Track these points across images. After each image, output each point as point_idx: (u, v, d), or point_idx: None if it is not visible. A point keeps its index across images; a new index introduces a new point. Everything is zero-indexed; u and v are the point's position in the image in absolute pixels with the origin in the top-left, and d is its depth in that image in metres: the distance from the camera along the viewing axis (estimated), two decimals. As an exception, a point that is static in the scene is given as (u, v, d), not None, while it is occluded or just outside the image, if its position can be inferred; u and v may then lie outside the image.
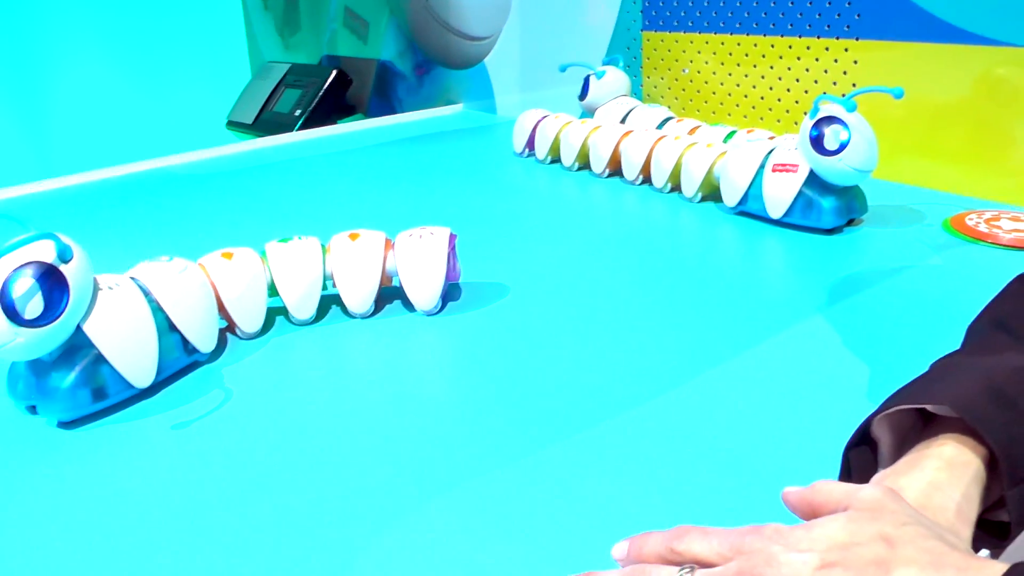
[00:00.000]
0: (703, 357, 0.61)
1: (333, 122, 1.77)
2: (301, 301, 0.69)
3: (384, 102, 1.83)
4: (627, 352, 0.63)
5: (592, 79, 1.20)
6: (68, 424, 0.57)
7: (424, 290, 0.70)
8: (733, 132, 1.07)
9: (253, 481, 0.50)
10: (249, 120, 2.02)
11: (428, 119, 1.60)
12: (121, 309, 0.58)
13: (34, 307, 0.53)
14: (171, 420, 0.57)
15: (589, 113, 1.21)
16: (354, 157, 1.34)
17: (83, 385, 0.56)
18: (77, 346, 0.56)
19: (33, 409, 0.58)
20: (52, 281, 0.54)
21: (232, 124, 2.13)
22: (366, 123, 1.64)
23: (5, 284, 0.53)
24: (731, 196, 0.92)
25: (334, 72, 1.85)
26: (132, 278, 0.61)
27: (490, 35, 1.52)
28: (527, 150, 1.21)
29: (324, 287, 0.70)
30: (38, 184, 1.25)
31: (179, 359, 0.62)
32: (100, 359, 0.57)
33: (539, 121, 1.19)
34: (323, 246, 0.70)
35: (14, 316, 0.53)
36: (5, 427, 0.58)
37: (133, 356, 0.58)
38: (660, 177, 1.02)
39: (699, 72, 1.26)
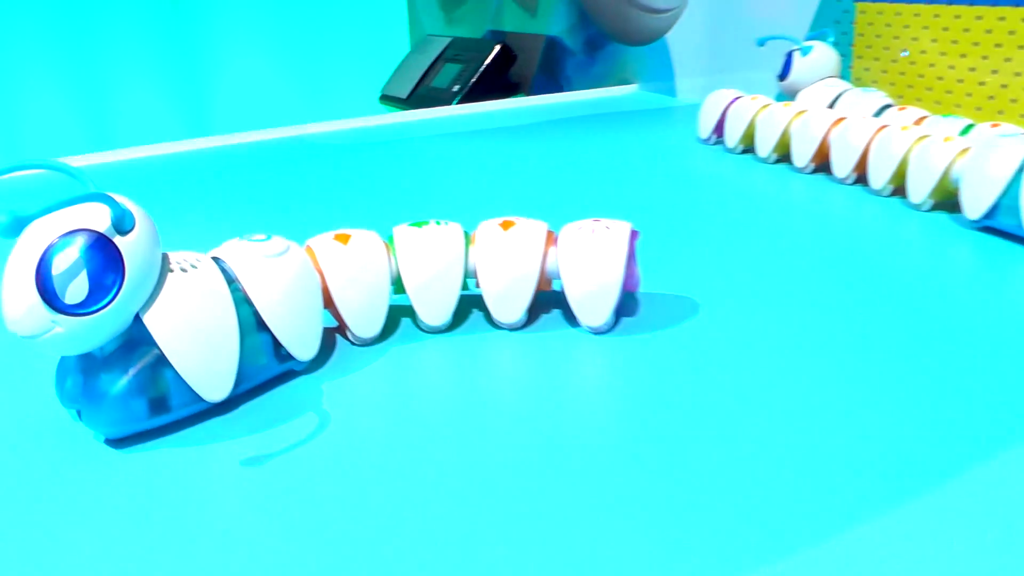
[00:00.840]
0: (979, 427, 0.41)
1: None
2: (434, 302, 0.53)
3: (550, 81, 1.66)
4: (860, 400, 0.44)
5: (796, 56, 1.00)
6: (117, 442, 0.43)
7: (594, 300, 0.53)
8: (971, 125, 0.85)
9: (356, 540, 0.34)
10: (404, 94, 1.90)
11: (599, 99, 1.43)
12: (194, 297, 0.43)
13: (78, 289, 0.39)
14: (251, 448, 0.42)
15: (789, 96, 1.01)
16: (512, 137, 1.18)
17: (138, 393, 0.42)
18: (135, 342, 0.42)
19: (80, 414, 0.44)
20: (104, 257, 0.40)
21: (386, 98, 2.01)
22: (529, 100, 1.48)
23: (43, 257, 0.39)
24: (974, 206, 0.71)
25: (497, 47, 1.69)
26: (215, 258, 0.46)
27: (674, 7, 1.33)
28: (714, 136, 1.02)
29: (464, 286, 0.54)
30: (171, 145, 1.15)
31: (267, 367, 0.47)
32: (162, 361, 0.42)
33: (731, 103, 0.99)
34: (467, 234, 0.54)
35: (52, 299, 0.39)
36: (43, 434, 0.44)
37: (206, 360, 0.43)
38: (879, 176, 0.81)
39: (923, 52, 1.04)
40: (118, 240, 0.40)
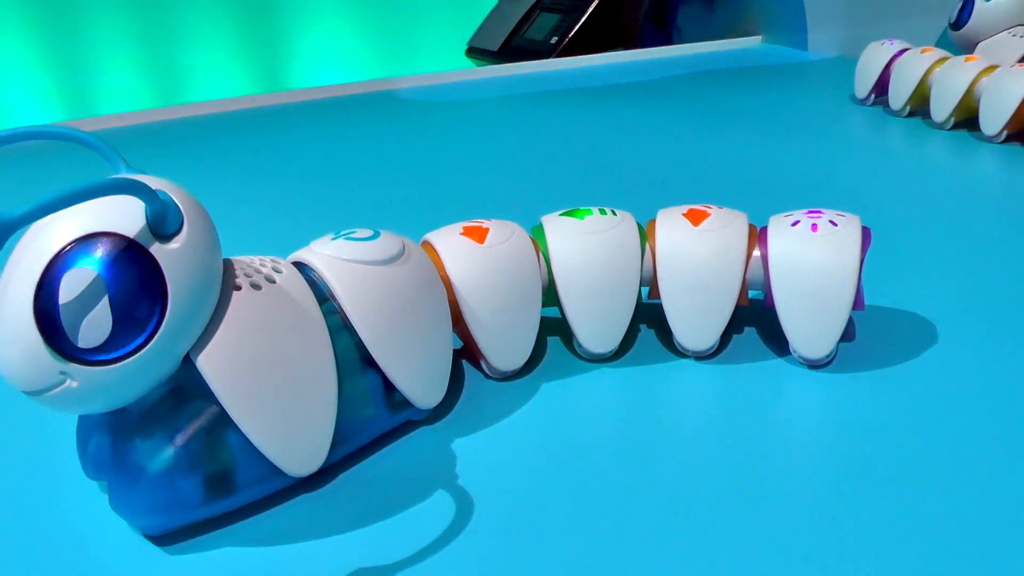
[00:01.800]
0: None
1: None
2: (601, 321, 0.38)
3: (659, 32, 1.48)
4: None
5: (977, 0, 0.80)
6: (158, 539, 0.29)
7: (816, 325, 0.37)
8: None
9: None
10: (495, 47, 1.73)
11: (718, 51, 1.24)
12: (270, 327, 0.29)
13: (97, 324, 0.25)
14: (356, 545, 0.27)
15: (964, 48, 0.82)
16: (620, 96, 1.00)
17: (189, 468, 0.28)
18: (184, 393, 0.28)
19: (109, 493, 0.30)
20: (135, 275, 0.25)
21: (473, 51, 1.84)
22: (637, 54, 1.30)
23: (46, 279, 0.25)
24: None
25: (600, -6, 1.51)
26: (298, 264, 0.32)
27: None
28: (873, 96, 0.83)
29: (639, 296, 0.38)
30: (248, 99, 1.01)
31: (376, 420, 0.33)
32: (224, 421, 0.28)
33: (896, 56, 0.81)
34: (640, 228, 0.39)
35: (60, 341, 0.25)
36: (51, 516, 0.30)
37: (288, 418, 0.29)
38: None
39: None
40: (156, 249, 0.26)
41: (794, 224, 0.38)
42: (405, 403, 0.33)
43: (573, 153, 0.75)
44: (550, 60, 1.34)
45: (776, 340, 0.40)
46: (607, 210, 0.39)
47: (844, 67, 0.92)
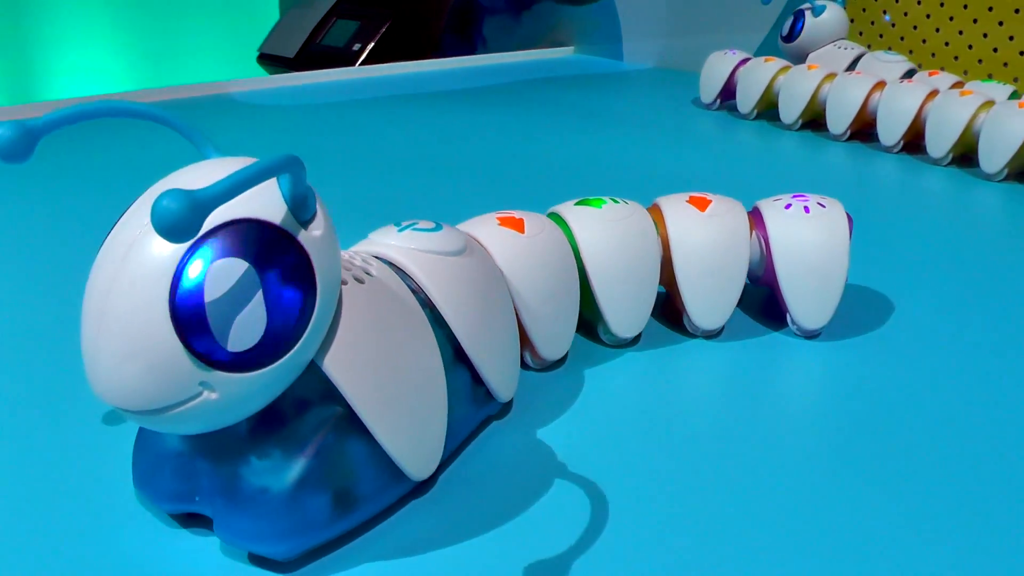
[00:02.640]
0: None
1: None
2: (629, 306, 0.38)
3: (464, 42, 1.49)
4: None
5: (808, 15, 0.89)
6: (290, 568, 0.25)
7: (816, 296, 0.39)
8: (1016, 93, 0.77)
9: None
10: (291, 53, 1.67)
11: (531, 61, 1.26)
12: (387, 323, 0.26)
13: (249, 326, 0.22)
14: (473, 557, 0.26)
15: (794, 59, 0.90)
16: (446, 104, 0.99)
17: (318, 484, 0.25)
18: (298, 400, 0.25)
19: (203, 521, 0.27)
20: (288, 266, 0.22)
21: (266, 58, 1.76)
22: (447, 62, 1.29)
23: (184, 275, 0.21)
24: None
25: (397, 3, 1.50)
26: (380, 259, 0.29)
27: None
28: (719, 101, 0.89)
29: (654, 283, 0.39)
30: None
31: (468, 417, 0.31)
32: (345, 428, 0.25)
33: (740, 64, 0.87)
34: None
35: (208, 346, 0.21)
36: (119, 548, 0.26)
37: (411, 417, 0.27)
38: (939, 143, 0.71)
39: (906, 15, 0.96)
40: (303, 237, 0.23)
41: (787, 207, 0.40)
42: (488, 398, 0.31)
43: (429, 157, 0.73)
44: (367, 67, 1.32)
45: (767, 315, 0.42)
46: (617, 199, 0.39)
47: (665, 76, 0.97)
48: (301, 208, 0.23)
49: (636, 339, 0.39)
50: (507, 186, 0.64)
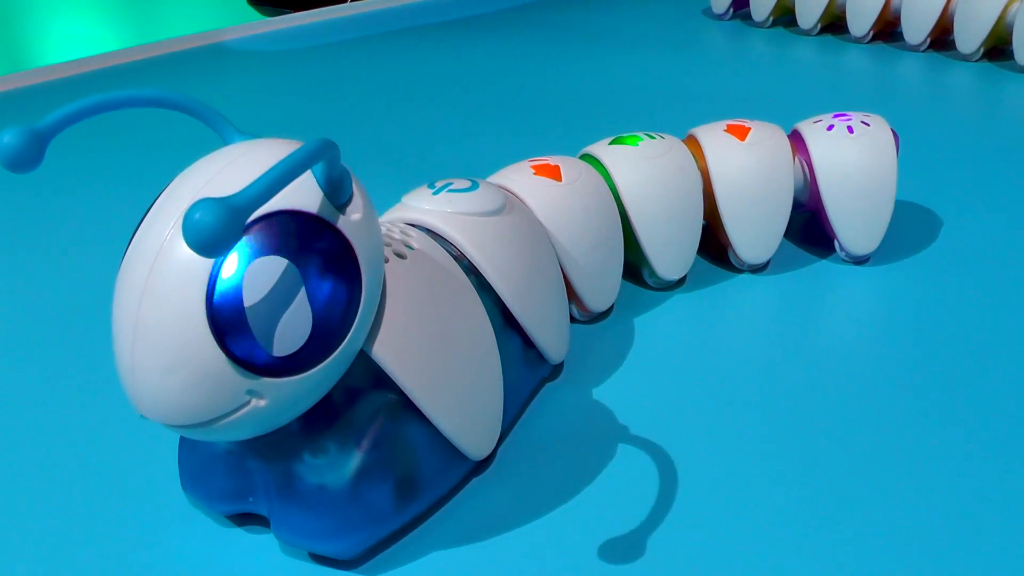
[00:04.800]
0: None
1: None
2: (674, 246, 0.36)
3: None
4: None
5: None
6: (355, 563, 0.24)
7: (865, 220, 0.37)
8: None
9: None
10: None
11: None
12: (435, 300, 0.24)
13: (294, 328, 0.20)
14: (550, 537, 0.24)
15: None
16: (460, 29, 0.95)
17: (380, 475, 0.23)
18: (350, 389, 0.23)
19: (260, 519, 0.25)
20: (331, 258, 0.20)
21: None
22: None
23: (220, 278, 0.19)
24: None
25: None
26: (419, 227, 0.27)
27: None
28: (731, 11, 0.85)
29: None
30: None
31: (522, 382, 0.29)
32: (400, 414, 0.23)
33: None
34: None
35: (252, 353, 0.19)
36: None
37: (467, 395, 0.25)
38: (969, 38, 0.67)
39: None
40: (343, 223, 0.21)
41: (829, 128, 0.38)
42: (540, 360, 0.29)
43: (441, 95, 0.70)
44: (364, 2, 1.26)
45: (814, 243, 0.40)
46: (653, 134, 0.36)
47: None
48: (338, 192, 0.21)
49: (682, 280, 0.37)
50: (526, 122, 0.61)
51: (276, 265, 0.20)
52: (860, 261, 0.38)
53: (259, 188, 0.17)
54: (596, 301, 0.33)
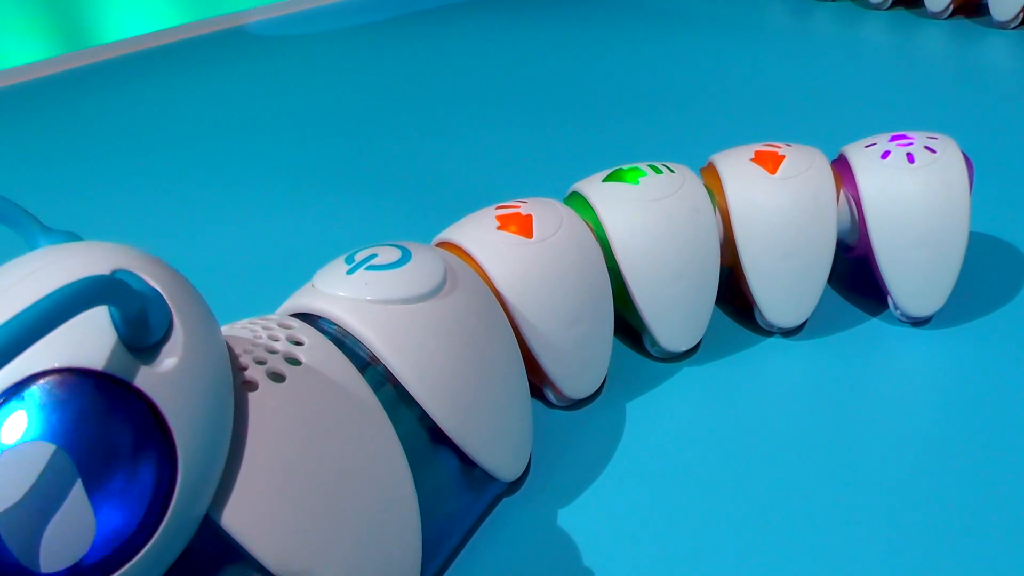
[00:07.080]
0: None
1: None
2: (684, 311, 0.29)
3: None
4: None
5: None
6: None
7: (925, 273, 0.30)
8: None
9: None
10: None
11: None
12: (312, 438, 0.18)
13: (67, 535, 0.14)
14: None
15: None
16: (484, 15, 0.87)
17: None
18: (207, 557, 0.17)
19: None
20: (117, 431, 0.14)
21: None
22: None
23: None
24: None
25: None
26: (309, 317, 0.21)
27: None
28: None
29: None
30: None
31: (464, 509, 0.23)
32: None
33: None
34: (706, 188, 0.30)
35: (8, 571, 0.14)
36: None
37: (368, 559, 0.19)
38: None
39: None
40: (143, 378, 0.15)
41: (885, 156, 0.30)
42: (487, 478, 0.23)
43: (488, 77, 0.64)
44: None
45: (862, 293, 0.32)
46: (658, 166, 0.29)
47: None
48: (141, 331, 0.15)
49: (693, 348, 0.30)
50: (580, 115, 0.54)
51: (40, 453, 0.14)
52: (919, 323, 0.31)
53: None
54: (575, 387, 0.27)
